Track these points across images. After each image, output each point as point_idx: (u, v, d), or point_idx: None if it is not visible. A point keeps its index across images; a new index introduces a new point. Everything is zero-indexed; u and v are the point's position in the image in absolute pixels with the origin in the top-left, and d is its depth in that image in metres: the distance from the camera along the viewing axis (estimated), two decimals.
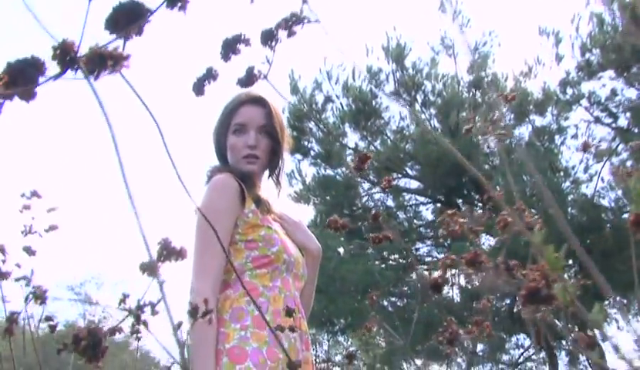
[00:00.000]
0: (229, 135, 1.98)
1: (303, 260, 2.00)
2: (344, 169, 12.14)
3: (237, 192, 1.83)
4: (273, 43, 0.85)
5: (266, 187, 2.03)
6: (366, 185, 12.79)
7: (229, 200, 1.80)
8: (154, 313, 0.73)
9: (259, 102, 1.99)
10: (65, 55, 0.57)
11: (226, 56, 0.83)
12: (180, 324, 0.76)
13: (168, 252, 0.76)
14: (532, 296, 0.75)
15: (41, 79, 0.57)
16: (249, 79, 0.88)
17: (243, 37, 0.84)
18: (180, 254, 0.77)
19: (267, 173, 2.05)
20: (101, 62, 0.59)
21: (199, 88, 0.85)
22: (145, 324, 0.76)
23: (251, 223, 1.84)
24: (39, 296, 1.37)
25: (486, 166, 11.56)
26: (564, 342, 10.48)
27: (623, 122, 10.82)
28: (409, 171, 12.47)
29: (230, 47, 0.83)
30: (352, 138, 12.24)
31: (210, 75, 0.86)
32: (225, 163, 2.01)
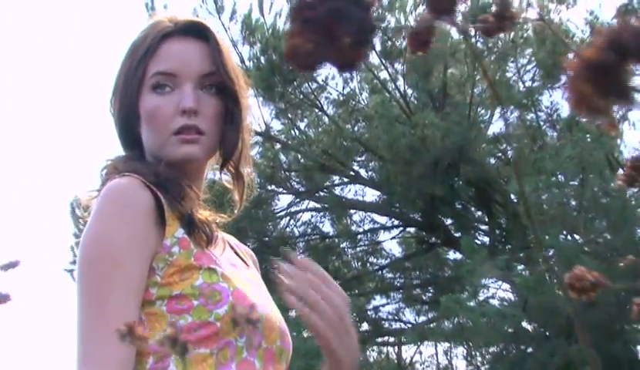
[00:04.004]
0: (144, 93, 1.99)
1: (283, 323, 2.01)
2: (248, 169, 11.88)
3: (149, 209, 1.84)
4: None
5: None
6: (286, 198, 13.04)
7: (137, 225, 1.83)
8: None
9: (197, 32, 2.03)
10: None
11: None
12: None
13: None
14: None
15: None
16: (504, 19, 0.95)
17: None
18: None
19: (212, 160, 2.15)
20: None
21: None
22: None
23: (178, 265, 1.84)
24: None
25: (494, 160, 11.42)
26: None
27: None
28: (362, 172, 12.68)
29: None
30: (261, 115, 12.31)
31: None
32: (136, 146, 2.04)
